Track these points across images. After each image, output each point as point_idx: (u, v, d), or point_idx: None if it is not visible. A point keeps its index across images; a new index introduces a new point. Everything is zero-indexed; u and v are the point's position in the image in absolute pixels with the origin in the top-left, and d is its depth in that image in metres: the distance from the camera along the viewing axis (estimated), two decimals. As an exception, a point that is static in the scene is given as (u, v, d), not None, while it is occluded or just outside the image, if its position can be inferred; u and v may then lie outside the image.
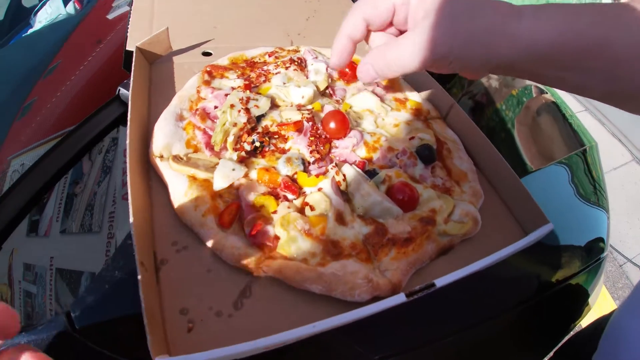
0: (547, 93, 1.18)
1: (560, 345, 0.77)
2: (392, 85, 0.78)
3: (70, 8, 1.19)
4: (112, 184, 0.68)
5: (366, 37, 0.56)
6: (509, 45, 0.45)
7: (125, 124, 0.72)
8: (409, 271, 0.55)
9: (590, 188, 0.96)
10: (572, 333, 0.80)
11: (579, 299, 0.79)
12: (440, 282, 0.50)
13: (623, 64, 0.44)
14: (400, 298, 0.48)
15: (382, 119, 0.71)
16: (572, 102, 2.84)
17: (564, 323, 0.76)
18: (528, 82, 1.21)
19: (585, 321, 0.82)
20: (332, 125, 0.63)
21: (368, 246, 0.55)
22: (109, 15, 1.11)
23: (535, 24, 0.44)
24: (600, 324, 0.78)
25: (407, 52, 0.48)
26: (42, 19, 1.22)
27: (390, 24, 0.54)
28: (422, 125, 0.71)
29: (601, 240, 0.85)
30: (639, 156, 2.45)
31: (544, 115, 1.11)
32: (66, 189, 0.69)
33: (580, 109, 2.75)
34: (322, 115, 0.67)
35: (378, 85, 0.76)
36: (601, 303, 1.65)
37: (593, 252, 0.82)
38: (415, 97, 0.77)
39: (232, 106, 0.62)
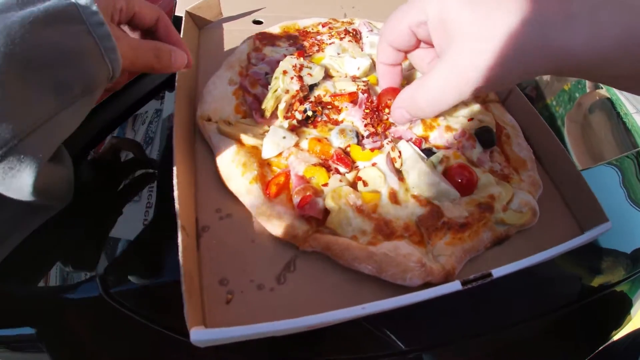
0: (602, 88, 1.09)
1: (593, 354, 0.71)
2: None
3: None
4: (154, 155, 0.65)
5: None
6: (554, 61, 0.37)
7: (170, 89, 0.69)
8: (463, 258, 0.50)
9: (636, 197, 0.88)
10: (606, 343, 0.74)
11: (621, 308, 0.72)
12: (497, 272, 0.45)
13: None
14: (455, 286, 0.43)
15: (439, 98, 0.65)
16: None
17: (603, 332, 0.70)
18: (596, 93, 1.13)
19: (622, 332, 0.76)
20: (390, 101, 0.57)
21: (422, 228, 0.50)
22: None
23: (590, 33, 0.35)
24: (638, 336, 0.72)
25: (438, 92, 0.41)
26: None
27: (419, 41, 0.47)
28: (481, 108, 0.65)
29: None
30: None
31: (597, 112, 1.03)
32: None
33: (631, 111, 2.61)
34: (378, 88, 0.61)
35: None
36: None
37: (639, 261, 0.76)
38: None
39: (284, 72, 0.57)
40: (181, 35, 0.61)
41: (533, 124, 0.64)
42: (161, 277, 0.52)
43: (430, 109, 0.44)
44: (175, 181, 0.44)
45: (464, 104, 0.64)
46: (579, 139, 0.93)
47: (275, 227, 0.48)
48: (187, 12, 0.67)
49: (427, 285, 0.47)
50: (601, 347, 0.71)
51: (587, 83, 1.11)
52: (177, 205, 0.43)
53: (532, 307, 0.59)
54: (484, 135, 0.59)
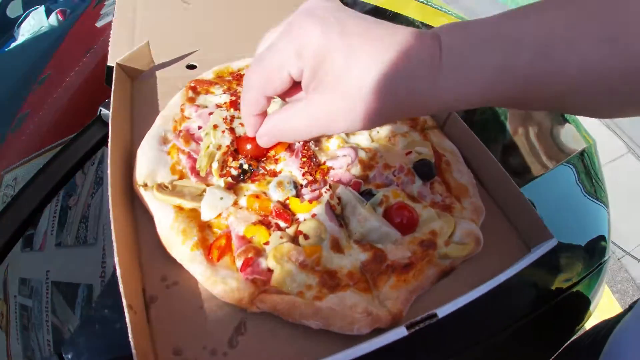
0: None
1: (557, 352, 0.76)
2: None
3: (53, 20, 1.17)
4: (106, 195, 0.65)
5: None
6: (422, 108, 0.40)
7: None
8: (410, 299, 0.52)
9: (592, 187, 0.94)
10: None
11: (582, 306, 0.77)
12: (442, 312, 0.47)
13: (578, 94, 0.36)
14: (401, 332, 0.45)
15: (377, 132, 0.67)
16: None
17: (566, 330, 0.74)
18: None
19: (587, 324, 0.80)
20: (249, 147, 0.58)
21: (366, 274, 0.52)
22: (97, 23, 1.08)
23: (457, 82, 0.37)
24: (601, 329, 0.76)
25: (303, 128, 0.43)
26: (24, 32, 1.21)
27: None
28: (419, 137, 0.67)
29: (603, 239, 0.84)
30: (635, 149, 2.45)
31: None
32: (60, 202, 0.67)
33: None
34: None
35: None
36: (601, 297, 1.65)
37: (596, 254, 0.81)
38: (410, 107, 0.73)
39: (215, 127, 0.58)
40: (112, 89, 0.62)
41: (472, 147, 0.67)
42: (121, 349, 0.52)
43: (293, 138, 0.48)
44: (116, 259, 0.45)
45: (402, 135, 0.67)
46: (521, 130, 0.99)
47: (221, 292, 0.49)
48: (118, 64, 0.67)
49: (377, 329, 0.49)
50: (566, 344, 0.76)
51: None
52: (121, 285, 0.43)
53: (501, 318, 0.62)
54: (422, 169, 0.61)
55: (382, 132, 0.67)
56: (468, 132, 0.67)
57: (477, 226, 0.59)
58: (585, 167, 0.97)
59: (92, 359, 0.51)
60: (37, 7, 1.23)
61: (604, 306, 1.62)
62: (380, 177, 0.61)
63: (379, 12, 1.27)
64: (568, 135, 1.04)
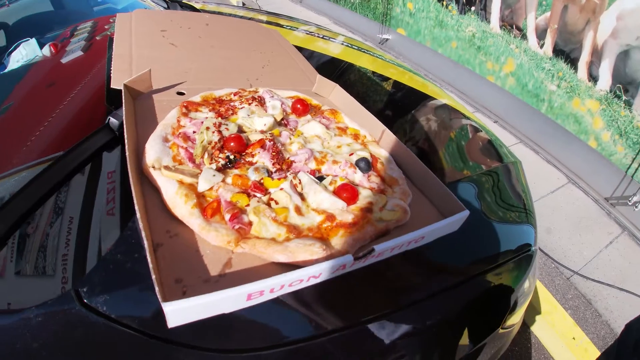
0: (481, 131, 1.48)
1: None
2: (335, 117, 1.06)
3: (47, 51, 1.37)
4: (65, 226, 0.80)
5: None
6: None
7: (109, 150, 0.94)
8: (355, 245, 0.77)
9: (513, 200, 1.23)
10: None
11: (508, 290, 1.03)
12: (378, 248, 0.73)
13: None
14: (348, 259, 0.71)
15: (328, 142, 0.97)
16: (507, 136, 3.29)
17: (496, 311, 1.00)
18: (464, 121, 1.51)
19: (528, 316, 0.98)
20: (232, 144, 0.87)
21: (321, 229, 0.78)
22: (63, 60, 1.31)
23: None
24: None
25: None
26: (19, 59, 1.39)
27: None
28: (360, 147, 0.98)
29: (528, 245, 1.11)
30: (574, 178, 2.89)
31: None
32: (19, 229, 0.79)
33: (515, 142, 3.21)
34: (280, 138, 0.92)
35: (324, 118, 1.04)
36: (553, 315, 1.93)
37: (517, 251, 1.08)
38: (354, 126, 1.05)
39: (207, 128, 0.86)
40: (123, 102, 0.88)
41: (401, 154, 0.98)
42: (130, 285, 0.73)
43: None
44: (137, 207, 0.69)
45: (347, 144, 0.97)
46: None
47: (214, 237, 0.73)
48: (125, 85, 0.95)
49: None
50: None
51: (469, 127, 1.49)
52: (140, 224, 0.66)
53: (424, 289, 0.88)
54: (362, 164, 0.91)
55: (332, 142, 0.98)
56: (398, 143, 0.98)
57: (405, 203, 0.88)
58: (497, 183, 1.26)
59: (105, 292, 0.71)
60: (28, 39, 1.44)
61: (559, 322, 1.90)
62: (329, 169, 0.90)
63: (334, 63, 1.62)
64: (487, 154, 1.35)
